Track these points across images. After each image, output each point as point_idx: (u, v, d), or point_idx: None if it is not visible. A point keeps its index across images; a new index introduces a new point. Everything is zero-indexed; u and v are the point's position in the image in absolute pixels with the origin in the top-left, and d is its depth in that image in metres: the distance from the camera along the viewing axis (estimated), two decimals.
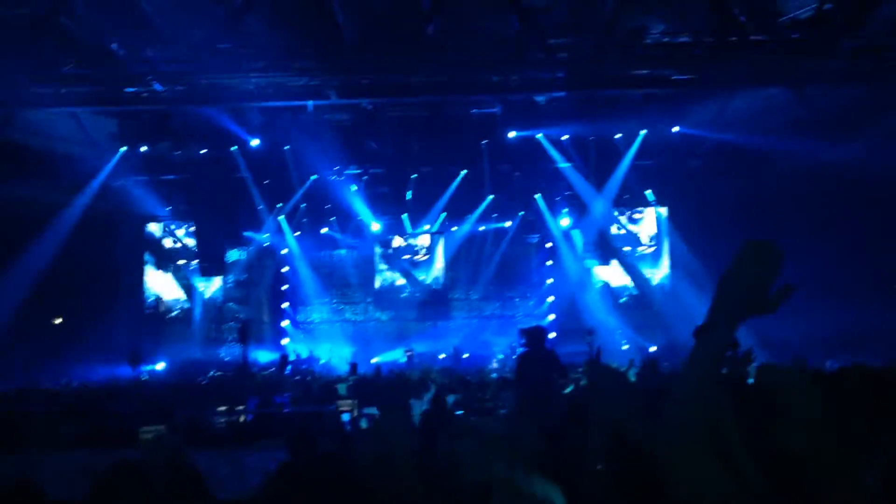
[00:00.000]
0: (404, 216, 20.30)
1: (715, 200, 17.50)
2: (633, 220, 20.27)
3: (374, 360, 17.30)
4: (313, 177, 18.81)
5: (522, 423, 3.63)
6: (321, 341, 20.04)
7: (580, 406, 4.24)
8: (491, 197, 19.71)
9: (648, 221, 20.30)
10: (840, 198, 15.47)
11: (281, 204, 19.53)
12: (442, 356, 18.73)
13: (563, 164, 18.47)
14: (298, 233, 20.31)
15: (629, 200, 19.79)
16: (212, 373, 17.23)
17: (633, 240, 20.30)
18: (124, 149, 17.23)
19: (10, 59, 12.89)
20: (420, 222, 20.54)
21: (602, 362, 9.77)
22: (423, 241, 20.99)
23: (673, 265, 19.94)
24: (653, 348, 17.96)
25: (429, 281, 20.92)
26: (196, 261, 20.03)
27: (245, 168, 18.33)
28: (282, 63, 14.06)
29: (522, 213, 20.17)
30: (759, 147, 16.05)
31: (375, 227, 20.48)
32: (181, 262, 20.49)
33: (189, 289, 20.46)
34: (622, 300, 20.23)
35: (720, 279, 1.78)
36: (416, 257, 20.93)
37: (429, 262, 20.91)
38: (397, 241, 21.03)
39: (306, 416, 10.87)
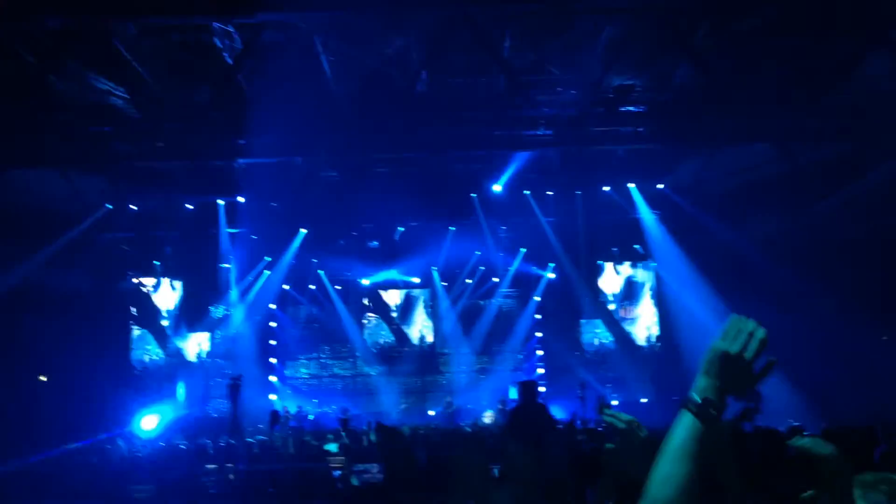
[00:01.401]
0: (394, 271, 20.32)
1: (704, 253, 17.55)
2: (621, 274, 20.26)
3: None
4: (302, 231, 18.85)
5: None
6: (309, 397, 19.81)
7: (587, 459, 4.23)
8: (478, 253, 19.85)
9: (638, 275, 20.31)
10: (828, 251, 15.55)
11: (268, 259, 19.51)
12: (432, 412, 18.56)
13: (549, 219, 18.64)
14: (287, 286, 20.24)
15: (618, 254, 19.89)
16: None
17: (622, 294, 20.29)
18: (109, 206, 17.31)
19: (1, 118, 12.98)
20: (409, 277, 20.56)
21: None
22: (413, 295, 20.95)
23: (661, 318, 19.90)
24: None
25: (418, 336, 20.83)
26: (182, 316, 19.88)
27: (232, 223, 18.39)
28: (272, 120, 14.18)
29: (511, 267, 20.25)
30: (744, 201, 16.20)
31: (365, 282, 20.47)
32: (167, 317, 20.27)
33: (175, 344, 20.22)
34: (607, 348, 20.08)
35: (707, 353, 1.83)
36: (405, 312, 20.86)
37: (418, 317, 20.84)
38: (387, 296, 20.99)
39: (297, 473, 10.72)
